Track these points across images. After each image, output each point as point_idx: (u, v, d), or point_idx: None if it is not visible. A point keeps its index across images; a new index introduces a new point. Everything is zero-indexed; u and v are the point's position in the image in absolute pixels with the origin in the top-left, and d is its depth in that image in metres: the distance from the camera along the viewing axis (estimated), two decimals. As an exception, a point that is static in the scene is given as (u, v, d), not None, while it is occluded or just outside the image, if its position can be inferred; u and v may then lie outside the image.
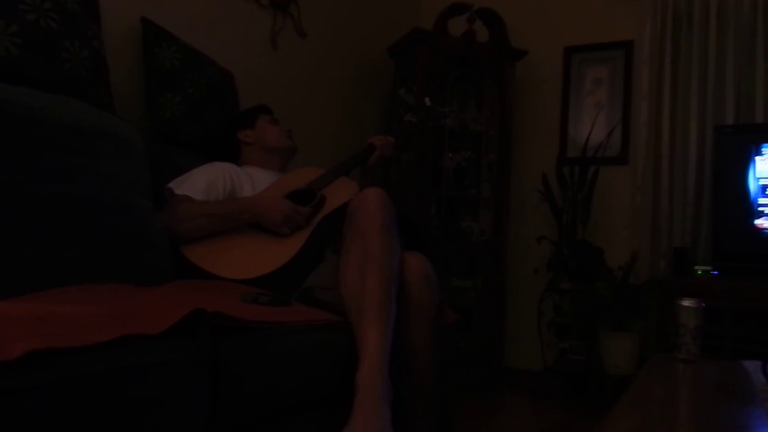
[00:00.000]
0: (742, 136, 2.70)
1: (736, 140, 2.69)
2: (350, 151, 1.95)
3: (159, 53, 1.85)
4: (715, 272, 2.60)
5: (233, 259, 1.50)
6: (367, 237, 1.29)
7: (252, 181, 1.76)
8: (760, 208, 2.59)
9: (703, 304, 1.55)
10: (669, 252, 2.89)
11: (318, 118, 2.80)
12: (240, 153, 1.92)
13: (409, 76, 3.02)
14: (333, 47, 2.89)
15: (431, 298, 1.39)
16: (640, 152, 3.01)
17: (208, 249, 1.52)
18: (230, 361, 0.96)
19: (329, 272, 1.48)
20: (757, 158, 2.61)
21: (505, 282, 3.09)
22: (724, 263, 2.62)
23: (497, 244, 3.02)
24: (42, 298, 1.08)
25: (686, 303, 1.55)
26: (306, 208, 1.62)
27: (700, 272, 2.61)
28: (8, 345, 0.67)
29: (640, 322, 2.78)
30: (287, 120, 2.11)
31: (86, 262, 1.29)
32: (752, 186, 2.61)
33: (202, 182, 1.63)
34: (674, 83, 2.97)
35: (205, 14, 2.19)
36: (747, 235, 2.61)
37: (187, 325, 0.92)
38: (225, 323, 0.99)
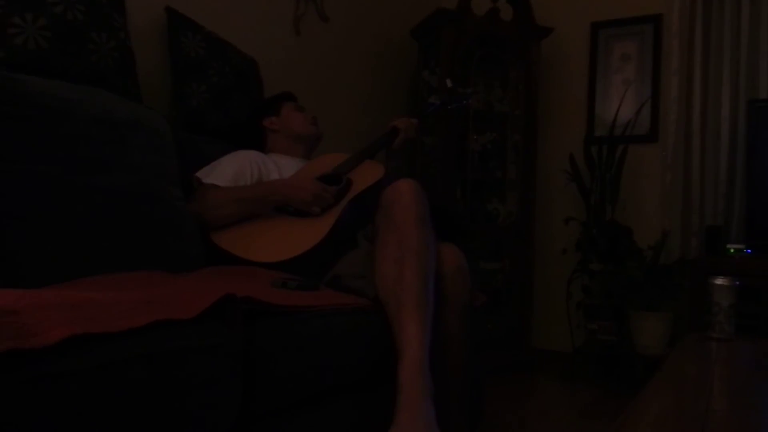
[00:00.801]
0: (777, 110, 2.62)
1: (770, 114, 2.61)
2: (375, 136, 1.95)
3: (184, 42, 1.87)
4: (749, 250, 2.55)
5: (263, 243, 1.52)
6: (403, 230, 1.28)
7: (278, 168, 1.77)
8: (797, 184, 2.52)
9: (737, 283, 1.52)
10: (701, 231, 2.83)
11: (342, 102, 2.80)
12: (266, 140, 1.94)
13: (432, 58, 3.00)
14: (356, 31, 2.88)
15: (465, 289, 1.39)
16: (670, 129, 2.95)
17: (238, 235, 1.54)
18: (263, 344, 0.98)
19: (359, 260, 1.48)
20: (793, 132, 2.53)
21: (532, 264, 3.07)
22: (758, 241, 2.56)
23: (524, 226, 3.00)
24: (77, 286, 1.11)
25: (719, 281, 1.52)
26: (333, 187, 1.64)
27: (732, 251, 2.56)
28: (47, 331, 0.69)
29: (671, 302, 2.74)
30: (311, 105, 2.12)
31: (120, 251, 1.32)
32: (788, 161, 2.54)
33: (229, 171, 1.65)
34: (705, 57, 2.88)
35: (228, 1, 2.20)
36: (782, 211, 2.54)
37: (218, 310, 0.93)
38: (256, 308, 1.00)
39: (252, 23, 2.29)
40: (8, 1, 1.36)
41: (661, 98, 3.04)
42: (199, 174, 1.65)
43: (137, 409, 0.75)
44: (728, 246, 2.59)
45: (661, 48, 3.06)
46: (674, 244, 2.89)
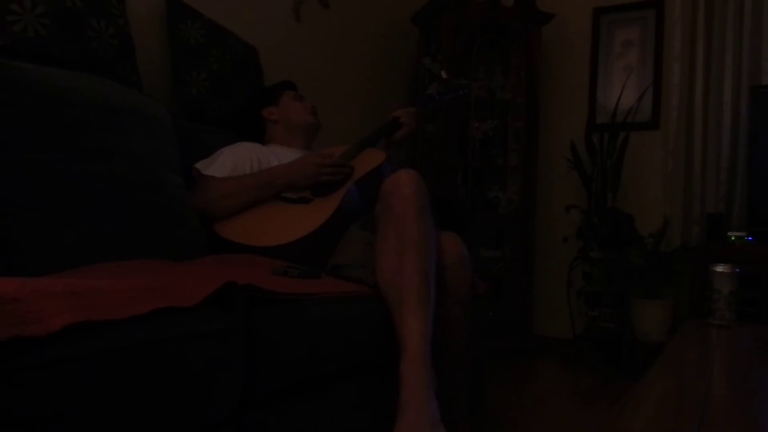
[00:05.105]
0: (779, 97, 2.61)
1: (773, 101, 2.60)
2: (375, 124, 1.94)
3: (183, 30, 1.85)
4: (750, 238, 2.55)
5: (268, 229, 1.52)
6: (403, 222, 1.27)
7: (279, 159, 1.77)
8: (799, 171, 2.52)
9: (738, 270, 1.52)
10: (702, 218, 2.83)
11: (343, 89, 2.79)
12: (265, 131, 1.93)
13: (433, 45, 2.98)
14: (356, 17, 2.86)
15: (466, 280, 1.39)
16: (672, 116, 2.94)
17: (242, 223, 1.55)
18: (265, 331, 0.98)
19: (358, 250, 1.48)
20: (796, 119, 2.52)
21: (533, 251, 3.08)
22: (759, 228, 2.56)
23: (525, 214, 3.00)
24: (79, 274, 1.11)
25: (720, 268, 1.52)
26: (334, 156, 1.65)
27: (733, 238, 2.56)
28: (49, 318, 0.70)
29: (672, 289, 2.74)
30: (312, 93, 2.11)
31: (121, 239, 1.32)
32: (790, 148, 2.53)
33: (228, 163, 1.65)
34: (708, 42, 2.87)
35: (227, -12, 2.18)
36: (784, 198, 2.54)
37: (220, 297, 0.94)
38: (257, 295, 1.00)
39: (252, 10, 2.27)
40: (6, -13, 1.35)
41: (663, 85, 3.03)
42: (198, 165, 1.64)
43: (139, 395, 0.76)
44: (729, 233, 2.59)
45: (663, 33, 3.04)
46: (675, 231, 2.90)
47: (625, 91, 3.05)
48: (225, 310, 0.93)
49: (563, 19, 3.18)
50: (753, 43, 2.76)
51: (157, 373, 0.78)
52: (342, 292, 1.24)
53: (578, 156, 3.02)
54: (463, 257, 1.39)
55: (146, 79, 1.73)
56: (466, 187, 3.03)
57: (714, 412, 0.81)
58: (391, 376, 1.10)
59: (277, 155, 1.78)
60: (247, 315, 0.96)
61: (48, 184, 1.23)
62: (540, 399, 2.37)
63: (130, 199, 1.37)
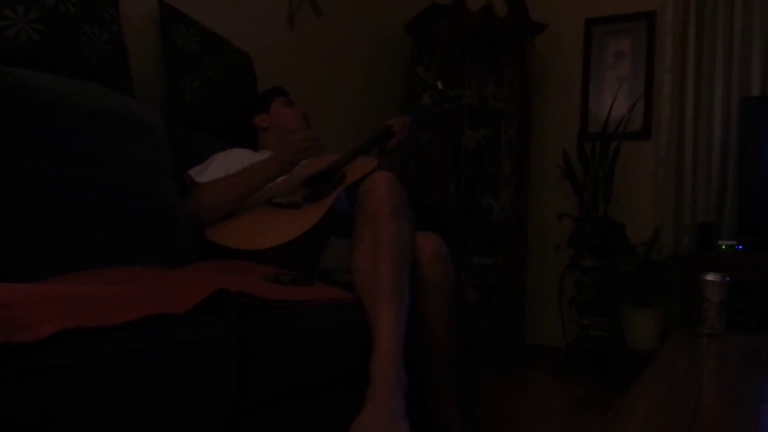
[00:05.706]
0: (769, 108, 2.64)
1: (762, 112, 2.63)
2: (369, 132, 1.94)
3: (177, 37, 1.86)
4: (740, 247, 2.57)
5: (257, 233, 1.52)
6: (377, 221, 1.28)
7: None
8: (788, 181, 2.54)
9: (728, 279, 1.53)
10: (693, 227, 2.85)
11: (336, 97, 2.80)
12: (257, 138, 1.93)
13: (426, 53, 3.00)
14: (350, 25, 2.87)
15: (444, 276, 1.38)
16: (663, 126, 2.96)
17: (232, 228, 1.54)
18: (257, 338, 0.98)
19: (343, 255, 1.48)
20: (785, 130, 2.55)
21: (526, 260, 3.08)
22: (749, 238, 2.58)
23: (518, 222, 3.01)
24: (70, 280, 1.11)
25: (710, 277, 1.53)
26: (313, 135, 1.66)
27: (724, 247, 2.57)
28: (39, 325, 0.69)
29: (663, 298, 2.76)
30: (305, 100, 2.11)
31: (114, 244, 1.32)
32: (779, 158, 2.56)
33: (220, 171, 1.65)
34: (699, 54, 2.90)
35: (222, -5, 2.19)
36: (774, 208, 2.56)
37: (212, 304, 0.94)
38: (249, 302, 1.00)
39: (246, 17, 2.28)
40: (-1, -7, 1.35)
41: (654, 95, 3.06)
42: (191, 172, 1.64)
43: (130, 402, 0.75)
44: (720, 242, 2.61)
45: (655, 45, 3.07)
46: (666, 240, 2.91)
47: (617, 101, 3.08)
48: (217, 317, 0.93)
49: (556, 30, 3.21)
50: (743, 54, 2.79)
51: (147, 380, 0.78)
52: (334, 299, 1.24)
53: (570, 165, 3.04)
54: (441, 254, 1.38)
55: (140, 86, 1.72)
56: (458, 195, 3.04)
57: (704, 421, 0.81)
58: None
59: (270, 162, 1.78)
60: (239, 322, 0.96)
61: (41, 189, 1.22)
62: (531, 408, 2.37)
63: (122, 205, 1.37)
